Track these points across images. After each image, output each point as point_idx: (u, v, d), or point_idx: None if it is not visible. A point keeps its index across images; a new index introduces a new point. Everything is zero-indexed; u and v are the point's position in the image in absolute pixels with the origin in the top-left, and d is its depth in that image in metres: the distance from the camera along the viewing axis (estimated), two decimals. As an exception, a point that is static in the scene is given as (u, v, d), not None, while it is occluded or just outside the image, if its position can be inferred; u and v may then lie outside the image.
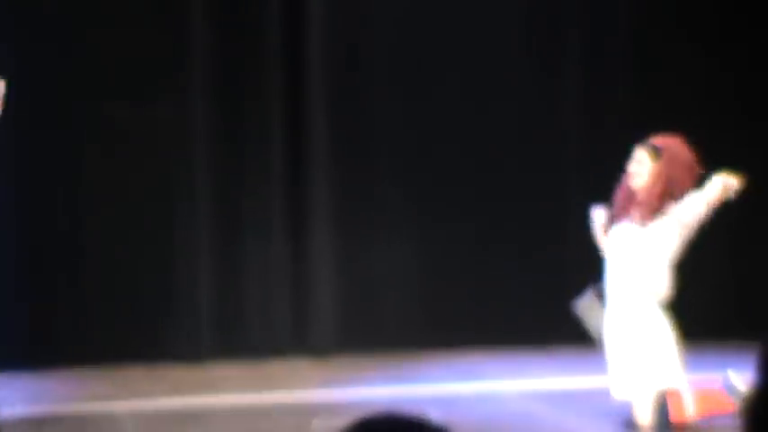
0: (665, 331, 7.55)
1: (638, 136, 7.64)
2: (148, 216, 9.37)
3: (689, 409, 7.60)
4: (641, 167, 7.58)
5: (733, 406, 7.33)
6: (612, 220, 7.66)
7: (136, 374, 9.20)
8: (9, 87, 6.83)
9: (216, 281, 9.60)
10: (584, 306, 7.75)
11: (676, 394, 7.60)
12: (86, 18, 9.19)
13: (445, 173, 9.83)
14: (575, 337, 7.84)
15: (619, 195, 7.72)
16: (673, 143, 7.71)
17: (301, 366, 9.63)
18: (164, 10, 9.34)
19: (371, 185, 9.83)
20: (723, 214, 9.37)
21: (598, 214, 7.70)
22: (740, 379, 7.55)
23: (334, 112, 9.67)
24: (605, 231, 7.67)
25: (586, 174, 9.31)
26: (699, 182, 7.53)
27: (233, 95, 9.52)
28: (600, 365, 7.78)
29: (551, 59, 9.90)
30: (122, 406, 8.32)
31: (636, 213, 7.57)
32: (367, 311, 9.87)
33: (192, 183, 9.46)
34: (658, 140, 7.73)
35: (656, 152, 7.60)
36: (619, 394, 7.51)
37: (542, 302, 9.22)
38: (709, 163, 9.41)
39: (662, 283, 7.52)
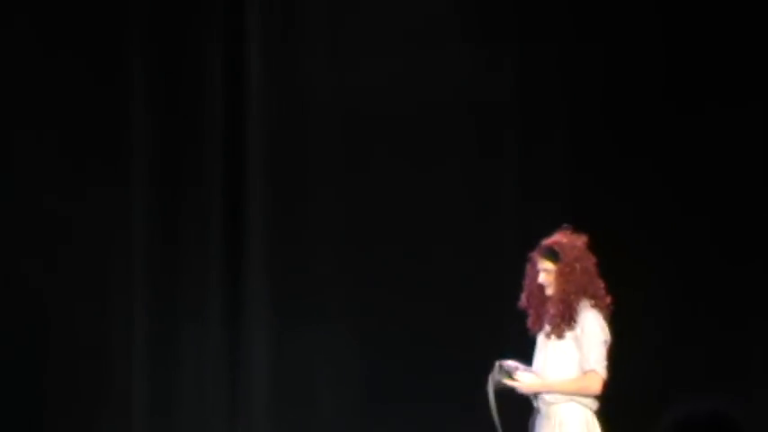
0: None
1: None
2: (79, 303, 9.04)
3: None
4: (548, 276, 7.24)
5: None
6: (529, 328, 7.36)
7: None
8: None
9: (148, 377, 9.17)
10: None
11: None
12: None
13: (388, 256, 9.42)
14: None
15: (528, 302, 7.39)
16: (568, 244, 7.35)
17: None
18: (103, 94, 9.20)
19: (310, 271, 9.44)
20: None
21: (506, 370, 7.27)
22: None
23: (274, 199, 9.39)
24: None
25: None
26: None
27: (172, 185, 9.31)
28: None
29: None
30: None
31: (549, 324, 7.26)
32: (305, 410, 9.33)
33: (130, 265, 9.18)
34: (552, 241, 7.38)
35: (555, 256, 7.27)
36: None
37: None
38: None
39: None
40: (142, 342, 9.17)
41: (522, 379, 7.20)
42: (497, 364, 7.17)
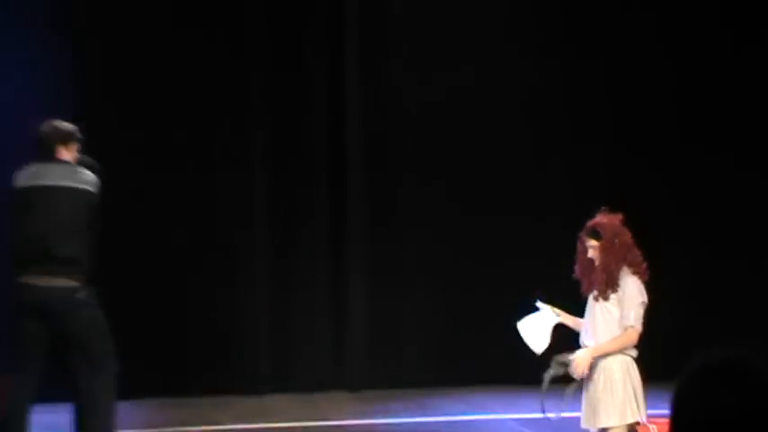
0: (633, 377, 7.72)
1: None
2: (216, 272, 10.03)
3: (653, 438, 7.97)
4: (594, 251, 7.72)
5: None
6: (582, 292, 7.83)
7: (205, 404, 9.72)
8: None
9: (271, 328, 10.22)
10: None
11: (644, 425, 7.67)
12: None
13: (460, 241, 10.41)
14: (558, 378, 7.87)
15: (580, 272, 7.83)
16: (608, 224, 7.81)
17: (340, 399, 10.11)
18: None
19: (398, 241, 10.42)
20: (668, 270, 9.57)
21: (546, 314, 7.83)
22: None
23: (370, 187, 10.34)
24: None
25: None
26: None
27: (287, 168, 10.22)
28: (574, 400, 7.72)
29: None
30: (194, 431, 8.79)
31: (597, 289, 7.77)
32: (393, 355, 10.39)
33: (252, 243, 10.16)
34: (594, 223, 7.83)
35: (597, 234, 7.73)
36: (587, 425, 7.64)
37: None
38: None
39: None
40: (264, 304, 10.26)
41: (576, 357, 7.61)
42: (553, 360, 7.61)
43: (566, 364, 7.52)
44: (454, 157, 10.61)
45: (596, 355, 7.68)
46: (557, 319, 7.74)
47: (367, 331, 10.44)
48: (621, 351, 7.75)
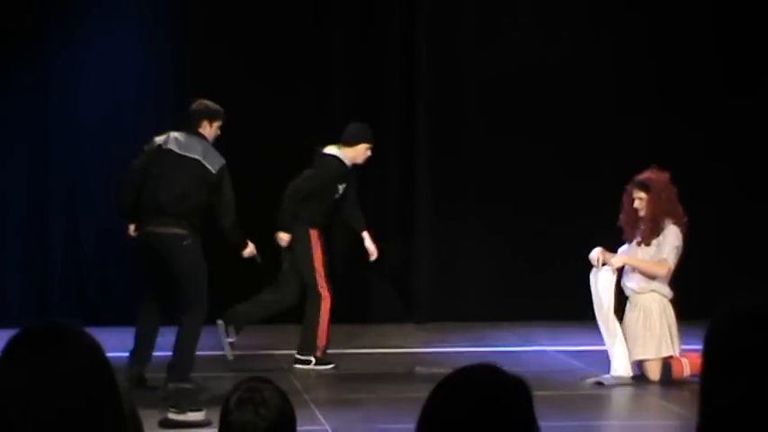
0: (669, 316, 8.45)
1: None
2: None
3: (686, 369, 8.36)
4: (641, 203, 8.38)
5: None
6: (625, 239, 8.52)
7: (289, 330, 9.76)
8: None
9: (349, 269, 10.70)
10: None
11: (677, 359, 8.45)
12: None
13: (516, 193, 11.06)
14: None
15: (625, 221, 8.49)
16: (656, 179, 8.44)
17: (407, 330, 10.68)
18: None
19: (461, 197, 10.96)
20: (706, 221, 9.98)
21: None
22: None
23: (435, 142, 10.94)
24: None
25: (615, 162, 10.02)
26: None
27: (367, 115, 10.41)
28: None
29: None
30: (281, 352, 9.28)
31: (641, 236, 8.50)
32: (454, 293, 10.99)
33: None
34: (645, 177, 8.47)
35: (647, 188, 8.41)
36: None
37: (580, 288, 8.91)
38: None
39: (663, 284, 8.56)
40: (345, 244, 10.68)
41: (615, 258, 8.32)
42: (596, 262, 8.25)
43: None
44: (508, 116, 11.27)
45: (627, 261, 8.27)
46: (597, 255, 8.09)
47: (431, 273, 11.10)
48: (658, 290, 8.28)
